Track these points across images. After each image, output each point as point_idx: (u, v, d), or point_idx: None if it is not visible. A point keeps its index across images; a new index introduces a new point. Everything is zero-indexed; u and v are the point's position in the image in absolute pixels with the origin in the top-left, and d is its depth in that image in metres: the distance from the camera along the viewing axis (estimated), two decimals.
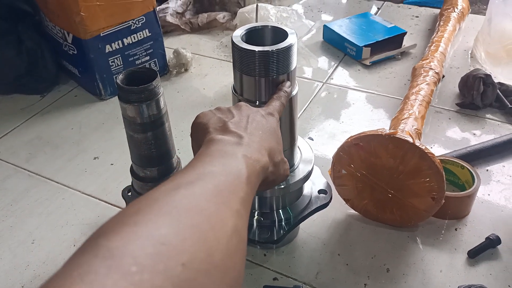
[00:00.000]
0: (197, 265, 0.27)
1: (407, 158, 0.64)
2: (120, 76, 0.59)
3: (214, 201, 0.33)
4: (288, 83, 0.56)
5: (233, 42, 0.54)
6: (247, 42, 0.54)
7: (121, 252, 0.25)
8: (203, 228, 0.30)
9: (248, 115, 0.48)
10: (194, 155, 0.49)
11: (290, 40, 0.54)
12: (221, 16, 1.35)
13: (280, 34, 0.56)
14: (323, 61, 1.19)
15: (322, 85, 1.09)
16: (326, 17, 1.41)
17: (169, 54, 1.16)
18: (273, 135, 0.48)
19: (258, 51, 0.53)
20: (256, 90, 0.56)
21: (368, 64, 1.13)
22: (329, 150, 0.88)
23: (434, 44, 1.07)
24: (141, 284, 0.24)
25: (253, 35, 0.57)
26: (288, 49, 0.53)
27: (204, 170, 0.37)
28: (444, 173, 0.64)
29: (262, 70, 0.54)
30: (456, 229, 0.73)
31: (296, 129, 0.62)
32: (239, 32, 0.56)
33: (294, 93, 0.58)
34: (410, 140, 0.63)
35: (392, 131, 0.65)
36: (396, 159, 0.65)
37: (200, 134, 0.46)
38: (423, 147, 0.63)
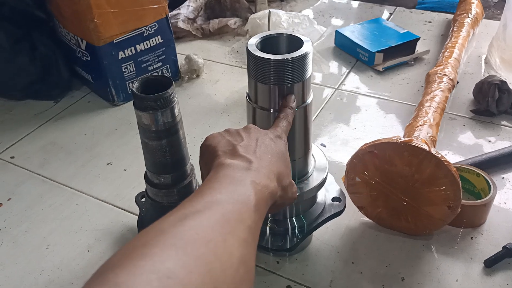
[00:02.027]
0: None
1: (423, 166, 0.64)
2: (136, 84, 0.59)
3: (220, 232, 0.33)
4: (292, 97, 0.54)
5: (248, 50, 0.54)
6: (262, 50, 0.54)
7: (127, 287, 0.26)
8: (209, 259, 0.30)
9: (257, 138, 0.48)
10: (202, 175, 0.49)
11: (306, 48, 0.53)
12: (232, 22, 1.36)
13: (295, 42, 0.55)
14: (335, 67, 1.18)
15: (334, 91, 1.09)
16: (337, 23, 1.40)
17: (180, 60, 1.17)
18: (281, 159, 0.48)
19: (274, 59, 0.52)
20: (271, 98, 0.56)
21: (381, 70, 1.12)
22: (342, 157, 0.87)
23: (448, 50, 1.06)
24: None
25: (268, 43, 0.57)
26: (304, 57, 0.53)
27: (212, 198, 0.37)
28: (460, 181, 0.63)
29: (277, 78, 0.54)
30: (471, 238, 0.72)
31: (311, 137, 0.62)
32: (254, 40, 0.56)
33: (308, 101, 0.58)
34: (426, 148, 0.63)
35: (408, 138, 0.64)
36: (411, 167, 0.64)
37: (209, 157, 0.46)
38: (439, 155, 0.63)
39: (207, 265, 0.30)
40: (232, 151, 0.45)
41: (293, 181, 0.50)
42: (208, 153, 0.47)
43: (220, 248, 0.32)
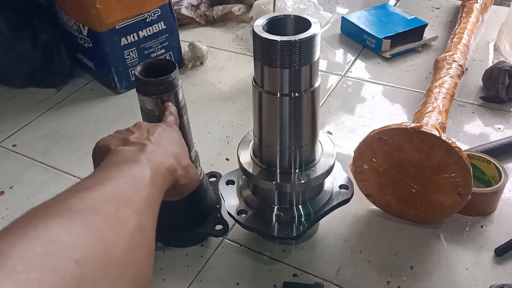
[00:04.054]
0: (93, 262, 0.27)
1: (433, 153, 0.62)
2: (138, 68, 0.57)
3: (113, 202, 0.34)
4: (170, 104, 0.56)
5: (254, 32, 0.53)
6: (268, 32, 0.53)
7: (6, 254, 0.25)
8: (99, 226, 0.30)
9: (148, 129, 0.49)
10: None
11: (314, 29, 0.52)
12: (236, 8, 1.33)
13: (302, 24, 0.54)
14: (341, 54, 1.16)
15: (341, 78, 1.07)
16: (343, 9, 1.38)
17: (184, 47, 1.15)
18: (176, 142, 0.50)
19: (281, 40, 0.51)
20: (278, 81, 0.54)
21: (388, 56, 1.10)
22: (349, 145, 0.86)
23: (456, 36, 1.03)
24: (29, 282, 0.24)
25: (274, 25, 0.55)
26: (312, 39, 0.51)
27: (104, 175, 0.37)
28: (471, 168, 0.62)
29: (284, 60, 0.52)
30: (482, 226, 0.70)
31: (318, 122, 0.60)
32: (260, 22, 0.54)
33: (316, 85, 0.56)
34: (437, 133, 0.61)
35: (417, 124, 0.63)
36: (421, 153, 0.63)
37: (101, 155, 0.45)
38: (450, 141, 0.61)
39: (97, 231, 0.30)
40: (124, 142, 0.45)
41: (192, 164, 0.51)
42: (100, 153, 0.46)
43: (112, 216, 0.32)
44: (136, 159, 0.41)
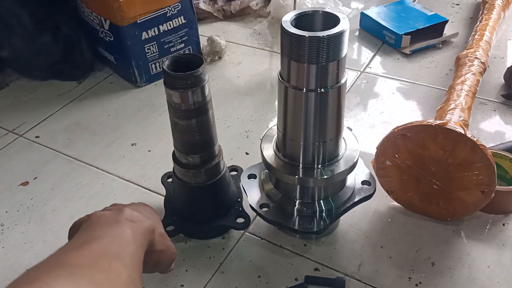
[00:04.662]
0: None
1: (457, 150, 0.62)
2: (166, 62, 0.58)
3: (104, 258, 0.36)
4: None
5: (282, 27, 0.53)
6: (296, 27, 0.53)
7: None
8: (98, 278, 0.32)
9: (124, 205, 0.52)
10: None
11: (342, 25, 0.52)
12: (254, 3, 1.33)
13: (331, 20, 0.54)
14: (360, 50, 1.16)
15: (360, 74, 1.07)
16: (361, 4, 1.37)
17: (202, 42, 1.15)
18: (151, 214, 0.53)
19: (309, 36, 0.51)
20: (304, 77, 0.54)
21: (408, 53, 1.10)
22: (369, 141, 0.86)
23: (478, 33, 1.03)
24: None
25: (302, 21, 0.55)
26: (340, 35, 0.51)
27: (89, 236, 0.40)
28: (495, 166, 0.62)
29: (312, 56, 0.52)
30: (503, 224, 0.70)
31: (343, 118, 0.61)
32: (288, 17, 0.54)
33: (342, 81, 0.56)
34: (462, 131, 0.61)
35: (442, 121, 0.62)
36: (445, 150, 0.63)
37: (78, 227, 0.46)
38: (475, 139, 0.61)
39: (97, 284, 0.31)
40: (101, 212, 0.48)
41: (168, 236, 0.54)
42: (77, 225, 0.48)
43: (106, 270, 0.34)
44: (117, 220, 0.44)
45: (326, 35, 0.51)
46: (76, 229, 0.47)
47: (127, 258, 0.38)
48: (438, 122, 0.63)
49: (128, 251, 0.40)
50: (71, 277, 0.30)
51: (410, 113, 0.93)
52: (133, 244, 0.42)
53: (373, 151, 0.71)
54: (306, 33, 0.51)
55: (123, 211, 0.46)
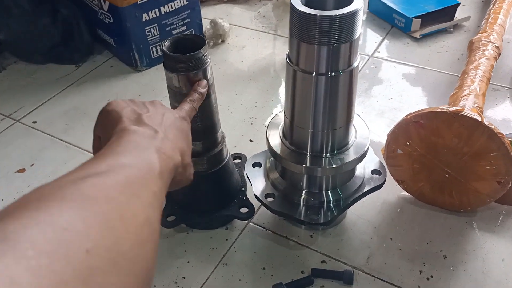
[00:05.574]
0: (103, 253, 0.27)
1: (473, 138, 0.59)
2: (166, 43, 0.55)
3: (124, 192, 0.33)
4: (204, 83, 0.54)
5: (291, 5, 0.49)
6: (306, 6, 0.49)
7: (17, 237, 0.24)
8: (111, 217, 0.29)
9: (163, 113, 0.47)
10: (96, 141, 0.47)
11: (356, 4, 0.48)
12: None
13: (343, 0, 0.50)
14: (369, 33, 1.12)
15: (368, 58, 1.03)
16: None
17: (205, 24, 1.12)
18: (185, 138, 0.48)
19: (320, 15, 0.48)
20: (315, 59, 0.51)
21: (418, 37, 1.06)
22: (378, 128, 0.83)
23: (492, 16, 0.98)
24: (39, 269, 0.23)
25: (313, 0, 0.52)
26: (353, 14, 0.48)
27: (116, 162, 0.36)
28: None
29: (323, 37, 0.49)
30: None
31: (354, 105, 0.57)
32: None
33: (355, 64, 0.53)
34: (479, 118, 0.58)
35: (458, 108, 0.59)
36: (460, 139, 0.60)
37: (111, 121, 0.43)
38: (493, 127, 0.58)
39: (108, 221, 0.29)
40: (138, 119, 0.44)
41: (191, 163, 0.50)
42: (110, 117, 0.44)
43: (123, 208, 0.31)
44: (148, 148, 0.40)
45: (339, 14, 0.47)
46: (108, 120, 0.44)
47: (148, 197, 0.35)
48: (453, 108, 0.59)
49: (151, 188, 0.36)
50: (81, 212, 0.28)
51: (420, 99, 0.90)
52: (159, 181, 0.38)
53: (382, 139, 0.68)
54: (317, 12, 0.48)
55: (157, 135, 0.42)
